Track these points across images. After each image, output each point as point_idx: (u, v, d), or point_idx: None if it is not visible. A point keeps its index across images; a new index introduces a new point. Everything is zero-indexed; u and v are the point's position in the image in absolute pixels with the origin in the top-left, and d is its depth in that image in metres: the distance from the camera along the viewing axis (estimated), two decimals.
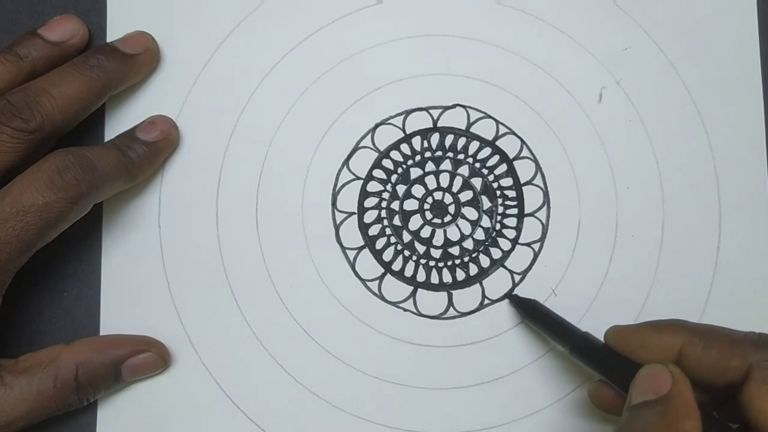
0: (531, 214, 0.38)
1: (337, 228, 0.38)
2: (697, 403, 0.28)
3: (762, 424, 0.27)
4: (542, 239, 0.38)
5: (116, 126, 0.37)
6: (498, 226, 0.38)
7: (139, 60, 0.36)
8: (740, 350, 0.29)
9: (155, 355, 0.36)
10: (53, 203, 0.31)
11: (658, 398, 0.28)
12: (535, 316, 0.36)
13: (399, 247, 0.38)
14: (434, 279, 0.37)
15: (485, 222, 0.38)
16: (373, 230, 0.38)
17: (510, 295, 0.37)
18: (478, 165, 0.38)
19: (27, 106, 0.32)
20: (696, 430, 0.27)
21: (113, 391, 0.36)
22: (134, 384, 0.37)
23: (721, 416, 0.31)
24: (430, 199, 0.38)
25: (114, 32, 0.38)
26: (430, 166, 0.38)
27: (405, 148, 0.38)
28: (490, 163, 0.38)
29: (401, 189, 0.38)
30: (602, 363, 0.32)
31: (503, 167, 0.38)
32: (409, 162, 0.38)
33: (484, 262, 0.37)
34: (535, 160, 0.38)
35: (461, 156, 0.38)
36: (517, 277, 0.37)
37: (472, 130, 0.38)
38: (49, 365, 0.33)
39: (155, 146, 0.36)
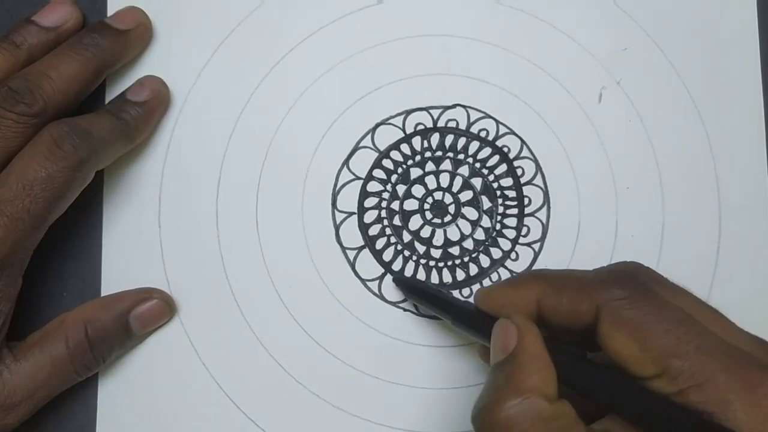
0: (531, 214, 0.38)
1: (337, 228, 0.38)
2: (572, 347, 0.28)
3: (618, 364, 0.27)
4: (542, 239, 0.38)
5: None
6: (498, 226, 0.38)
7: (132, 35, 0.36)
8: (588, 293, 0.28)
9: (160, 300, 0.36)
10: (56, 173, 0.32)
11: (507, 357, 0.28)
12: (417, 293, 0.36)
13: (399, 247, 0.38)
14: (434, 279, 0.37)
15: (485, 222, 0.38)
16: (373, 230, 0.38)
17: (393, 277, 0.37)
18: (478, 165, 0.38)
19: (28, 91, 0.33)
20: (543, 381, 0.27)
21: (129, 348, 0.36)
22: (134, 384, 0.37)
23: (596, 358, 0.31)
24: (430, 199, 0.38)
25: None
26: (430, 166, 0.38)
27: (405, 148, 0.38)
28: (490, 163, 0.38)
29: (401, 189, 0.38)
30: (477, 327, 0.31)
31: (503, 167, 0.38)
32: (409, 162, 0.38)
33: (485, 262, 0.37)
34: (535, 160, 0.38)
35: (461, 156, 0.38)
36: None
37: (472, 130, 0.38)
38: (58, 330, 0.34)
39: (147, 105, 0.36)
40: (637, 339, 0.27)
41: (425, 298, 0.35)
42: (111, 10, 0.38)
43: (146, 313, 0.36)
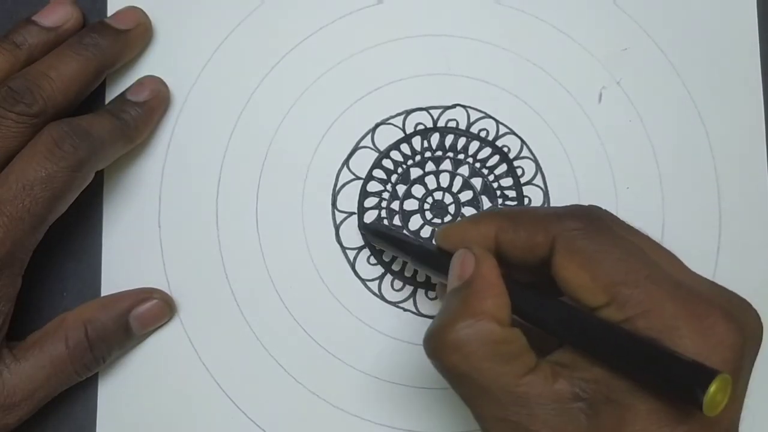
0: None
1: (337, 228, 0.38)
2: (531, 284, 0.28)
3: (570, 294, 0.27)
4: None
5: None
6: None
7: (132, 35, 0.36)
8: (544, 225, 0.28)
9: (159, 301, 0.36)
10: (56, 174, 0.32)
11: (463, 283, 0.28)
12: (380, 237, 0.36)
13: None
14: (434, 279, 0.37)
15: None
16: None
17: (358, 225, 0.37)
18: (478, 165, 0.38)
19: (28, 91, 0.33)
20: (496, 306, 0.27)
21: (129, 348, 0.36)
22: (134, 384, 0.37)
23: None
24: (430, 199, 0.38)
25: None
26: (430, 166, 0.38)
27: (405, 148, 0.38)
28: (490, 163, 0.38)
29: (401, 189, 0.38)
30: (437, 265, 0.32)
31: (503, 167, 0.38)
32: (409, 162, 0.38)
33: None
34: (535, 160, 0.38)
35: (461, 156, 0.38)
36: None
37: (472, 130, 0.38)
38: (58, 330, 0.34)
39: (147, 105, 0.36)
40: (589, 268, 0.27)
41: (388, 241, 0.36)
42: (111, 10, 0.38)
43: (146, 313, 0.36)
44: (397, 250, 0.35)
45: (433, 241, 0.33)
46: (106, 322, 0.35)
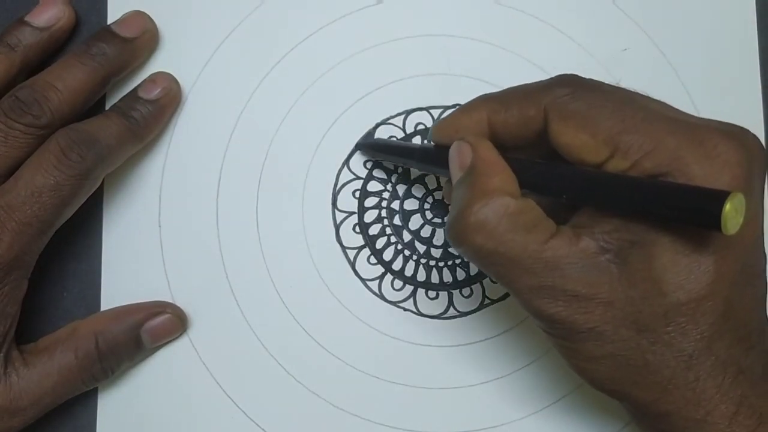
0: None
1: (337, 228, 0.38)
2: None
3: (573, 157, 0.28)
4: None
5: None
6: None
7: (138, 43, 0.36)
8: (534, 98, 0.29)
9: (172, 316, 0.36)
10: (64, 182, 0.32)
11: (466, 171, 0.29)
12: (379, 150, 0.37)
13: (399, 247, 0.38)
14: (434, 279, 0.38)
15: None
16: (374, 230, 0.38)
17: (356, 145, 0.38)
18: None
19: (36, 102, 0.33)
20: (504, 181, 0.28)
21: (138, 360, 0.36)
22: (134, 383, 0.37)
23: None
24: (430, 199, 0.38)
25: None
26: None
27: None
28: None
29: (401, 188, 0.38)
30: (439, 162, 0.32)
31: None
32: None
33: None
34: None
35: None
36: None
37: None
38: (68, 339, 0.34)
39: (158, 104, 0.36)
40: (586, 127, 0.27)
41: (389, 152, 0.36)
42: (111, 10, 0.37)
43: (158, 327, 0.36)
44: (399, 158, 0.36)
45: (429, 140, 0.33)
46: (118, 334, 0.35)
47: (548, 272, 0.27)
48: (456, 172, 0.29)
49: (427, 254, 0.38)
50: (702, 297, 0.26)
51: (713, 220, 0.23)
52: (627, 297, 0.26)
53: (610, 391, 0.28)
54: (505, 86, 0.38)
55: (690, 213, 0.24)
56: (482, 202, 0.27)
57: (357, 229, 0.38)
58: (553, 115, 0.28)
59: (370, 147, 0.37)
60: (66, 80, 0.34)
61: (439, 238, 0.38)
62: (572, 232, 0.27)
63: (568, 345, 0.28)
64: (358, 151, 0.38)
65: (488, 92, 0.31)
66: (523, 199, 0.28)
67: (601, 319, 0.26)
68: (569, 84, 0.28)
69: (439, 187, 0.38)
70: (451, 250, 0.38)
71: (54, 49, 0.36)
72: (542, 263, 0.27)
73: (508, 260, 0.27)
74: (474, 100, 0.31)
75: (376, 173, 0.38)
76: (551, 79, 0.29)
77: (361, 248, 0.38)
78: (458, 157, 0.29)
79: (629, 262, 0.26)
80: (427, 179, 0.38)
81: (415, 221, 0.38)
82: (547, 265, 0.27)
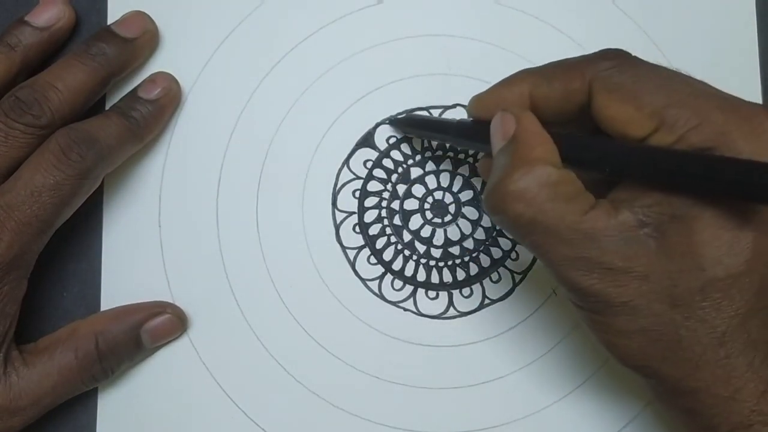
0: None
1: (337, 228, 0.38)
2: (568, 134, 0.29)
3: (617, 131, 0.28)
4: None
5: None
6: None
7: (139, 43, 0.36)
8: (578, 71, 0.29)
9: (172, 316, 0.36)
10: (63, 182, 0.32)
11: (508, 141, 0.29)
12: (415, 126, 0.37)
13: (399, 247, 0.38)
14: (434, 279, 0.38)
15: (486, 221, 0.38)
16: (374, 230, 0.38)
17: (389, 121, 0.38)
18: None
19: (36, 102, 0.33)
20: (547, 151, 0.28)
21: (138, 360, 0.36)
22: (134, 383, 0.37)
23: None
24: (430, 199, 0.38)
25: None
26: (430, 166, 0.38)
27: (405, 147, 0.38)
28: None
29: (401, 188, 0.38)
30: (478, 137, 0.32)
31: None
32: (410, 161, 0.38)
33: (485, 261, 0.37)
34: None
35: (462, 155, 0.38)
36: (517, 277, 0.37)
37: None
38: (69, 339, 0.34)
39: (158, 104, 0.36)
40: (632, 100, 0.27)
41: (423, 127, 0.36)
42: (111, 9, 0.38)
43: (158, 327, 0.36)
44: (433, 133, 0.36)
45: (467, 116, 0.33)
46: (118, 334, 0.35)
47: (585, 244, 0.27)
48: (498, 142, 0.29)
49: (427, 254, 0.38)
50: (740, 273, 0.26)
51: (758, 194, 0.24)
52: (664, 271, 0.26)
53: (639, 367, 0.28)
54: None
55: (735, 187, 0.24)
56: (523, 170, 0.27)
57: (357, 229, 0.38)
58: (597, 87, 0.28)
59: (403, 122, 0.37)
60: (66, 80, 0.34)
61: (439, 238, 0.38)
62: (611, 206, 0.27)
63: (599, 319, 0.27)
64: (389, 126, 0.38)
65: (532, 67, 0.31)
66: (564, 170, 0.28)
67: (635, 293, 0.26)
68: (614, 57, 0.29)
69: (439, 187, 0.38)
70: (451, 249, 0.38)
71: (54, 49, 0.37)
72: (580, 234, 0.27)
73: (545, 229, 0.27)
74: (515, 74, 0.31)
75: (377, 173, 0.38)
76: (595, 53, 0.30)
77: (361, 248, 0.38)
78: (502, 127, 0.29)
79: (668, 235, 0.26)
80: (427, 179, 0.38)
81: (415, 221, 0.38)
82: (584, 237, 0.27)
